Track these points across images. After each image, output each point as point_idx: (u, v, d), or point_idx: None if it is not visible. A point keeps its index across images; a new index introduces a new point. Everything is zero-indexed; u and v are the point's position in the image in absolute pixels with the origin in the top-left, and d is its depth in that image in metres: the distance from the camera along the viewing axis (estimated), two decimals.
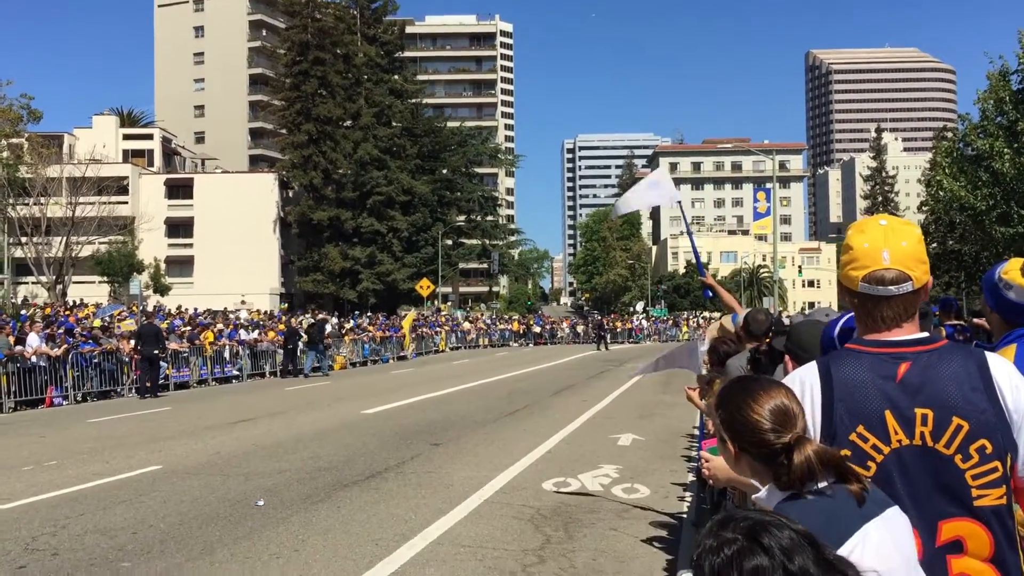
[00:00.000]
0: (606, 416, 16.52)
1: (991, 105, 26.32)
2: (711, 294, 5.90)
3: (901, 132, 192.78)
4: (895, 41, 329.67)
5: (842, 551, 1.61)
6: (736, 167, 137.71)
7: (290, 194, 76.05)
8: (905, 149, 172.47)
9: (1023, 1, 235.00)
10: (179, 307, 39.71)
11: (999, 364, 2.07)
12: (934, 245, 30.01)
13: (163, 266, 67.18)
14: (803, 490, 1.77)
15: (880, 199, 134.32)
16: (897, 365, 2.07)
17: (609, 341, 52.39)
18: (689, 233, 8.12)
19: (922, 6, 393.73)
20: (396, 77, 78.04)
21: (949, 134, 32.22)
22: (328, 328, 32.63)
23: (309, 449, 12.16)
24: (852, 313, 2.70)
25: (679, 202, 8.37)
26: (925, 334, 2.13)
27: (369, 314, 51.35)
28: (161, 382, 23.00)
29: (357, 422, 15.49)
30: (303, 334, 29.79)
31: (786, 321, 5.48)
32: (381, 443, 12.69)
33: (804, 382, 2.13)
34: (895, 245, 2.11)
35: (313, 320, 33.81)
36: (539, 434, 13.63)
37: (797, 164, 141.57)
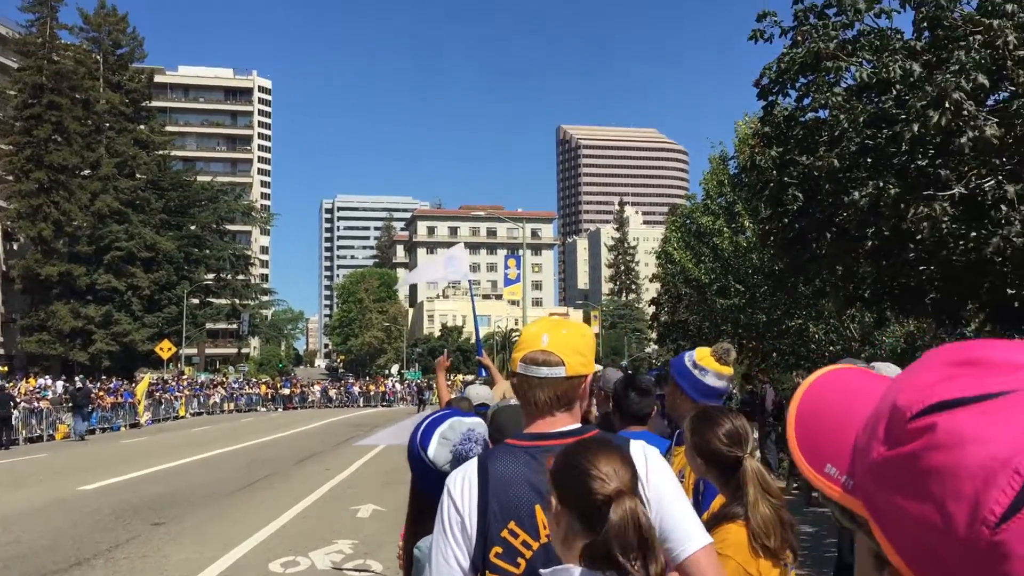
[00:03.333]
0: (348, 485, 16.14)
1: (713, 186, 28.73)
2: (485, 373, 6.02)
3: (641, 206, 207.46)
4: (637, 122, 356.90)
5: None
6: (491, 233, 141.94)
7: (15, 246, 69.62)
8: (645, 222, 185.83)
9: (748, 94, 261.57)
10: None
11: (636, 450, 2.11)
12: (664, 317, 32.13)
13: None
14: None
15: (623, 267, 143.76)
16: (548, 458, 2.08)
17: (428, 401, 52.55)
18: (475, 314, 8.15)
19: (662, 91, 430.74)
20: (142, 127, 73.97)
21: (678, 210, 34.87)
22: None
23: (10, 533, 10.93)
24: (429, 421, 2.70)
25: (470, 281, 8.44)
26: (576, 425, 2.16)
27: (103, 377, 47.59)
28: None
29: (72, 500, 14.14)
30: (18, 400, 27.11)
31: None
32: (95, 524, 11.63)
33: (466, 478, 2.10)
34: (556, 332, 2.16)
35: (78, 385, 34.81)
36: (276, 507, 13.07)
37: (548, 232, 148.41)
